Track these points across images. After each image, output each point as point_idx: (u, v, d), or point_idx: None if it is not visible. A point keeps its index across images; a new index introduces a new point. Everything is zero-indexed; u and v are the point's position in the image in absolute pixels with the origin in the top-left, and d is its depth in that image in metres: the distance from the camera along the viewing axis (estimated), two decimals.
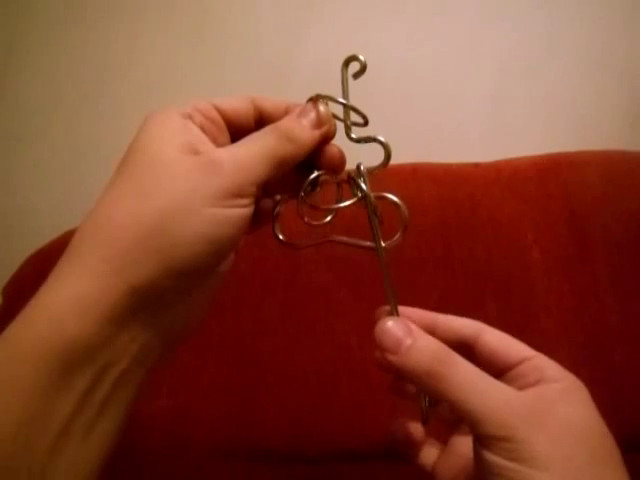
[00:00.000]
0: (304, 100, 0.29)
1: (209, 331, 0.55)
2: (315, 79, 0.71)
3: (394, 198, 0.30)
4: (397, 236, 0.30)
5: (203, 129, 0.27)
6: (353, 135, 0.30)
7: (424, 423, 0.33)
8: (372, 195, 0.29)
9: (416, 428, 0.34)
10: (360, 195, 0.30)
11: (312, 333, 0.55)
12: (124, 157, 0.26)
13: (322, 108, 0.28)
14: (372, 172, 0.30)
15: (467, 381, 0.26)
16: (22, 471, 0.21)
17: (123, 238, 0.23)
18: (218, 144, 0.27)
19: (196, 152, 0.25)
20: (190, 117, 0.27)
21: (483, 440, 0.25)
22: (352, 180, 0.30)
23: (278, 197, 0.31)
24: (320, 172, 0.29)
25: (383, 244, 0.30)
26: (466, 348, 0.30)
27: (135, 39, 0.77)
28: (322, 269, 0.56)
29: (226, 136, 0.29)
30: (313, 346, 0.55)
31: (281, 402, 0.54)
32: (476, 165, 0.59)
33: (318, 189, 0.30)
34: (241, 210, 0.25)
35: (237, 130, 0.29)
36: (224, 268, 0.29)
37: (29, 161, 0.79)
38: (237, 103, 0.29)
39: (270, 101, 0.30)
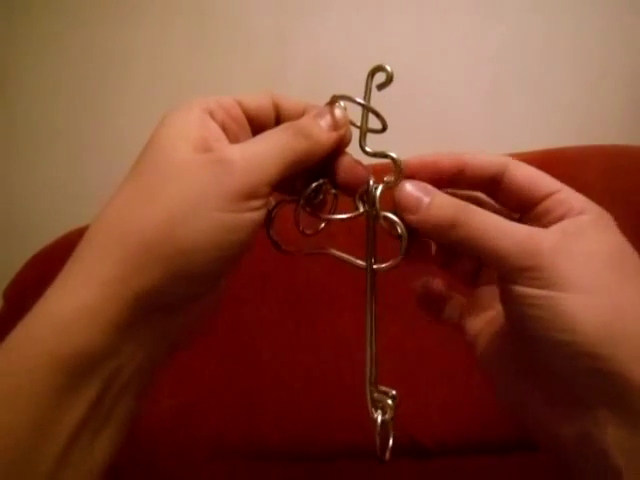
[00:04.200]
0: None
1: (210, 330, 0.55)
2: (314, 79, 0.71)
3: (395, 218, 0.28)
4: (393, 260, 0.29)
5: (224, 126, 0.26)
6: (368, 148, 0.29)
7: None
8: (380, 214, 0.28)
9: (438, 283, 0.33)
10: (362, 210, 0.29)
11: (314, 330, 0.55)
12: (140, 153, 0.25)
13: (339, 111, 0.28)
14: (382, 188, 0.28)
15: (488, 223, 0.25)
16: (31, 478, 0.21)
17: (129, 245, 0.22)
18: (239, 143, 0.26)
19: (209, 149, 0.24)
20: (212, 113, 0.26)
21: (509, 274, 0.24)
22: (357, 194, 0.29)
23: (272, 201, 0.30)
24: (324, 180, 0.28)
25: (376, 266, 0.29)
26: (492, 186, 0.28)
27: (134, 40, 0.77)
28: (323, 266, 0.56)
29: (248, 134, 0.27)
30: (315, 343, 0.55)
31: (283, 400, 0.54)
32: None
33: (320, 197, 0.29)
34: (253, 214, 0.24)
35: (259, 129, 0.27)
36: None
37: (30, 161, 0.79)
38: (260, 99, 0.28)
39: (289, 100, 0.29)
